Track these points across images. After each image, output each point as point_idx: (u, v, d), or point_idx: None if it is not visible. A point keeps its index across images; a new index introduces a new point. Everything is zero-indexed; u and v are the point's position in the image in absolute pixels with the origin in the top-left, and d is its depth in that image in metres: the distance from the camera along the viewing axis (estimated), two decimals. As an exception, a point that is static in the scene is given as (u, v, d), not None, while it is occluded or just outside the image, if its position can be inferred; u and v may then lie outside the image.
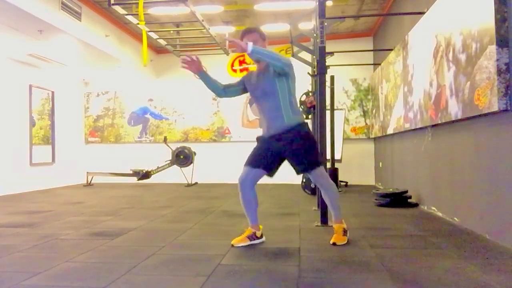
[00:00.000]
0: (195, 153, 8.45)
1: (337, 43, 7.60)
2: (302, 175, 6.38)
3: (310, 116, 6.38)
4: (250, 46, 2.67)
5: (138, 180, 8.31)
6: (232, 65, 8.98)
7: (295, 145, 2.91)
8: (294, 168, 3.01)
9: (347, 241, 3.05)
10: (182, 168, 8.44)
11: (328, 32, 4.27)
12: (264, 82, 2.98)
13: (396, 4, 6.40)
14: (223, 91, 3.18)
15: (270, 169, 3.04)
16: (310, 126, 7.02)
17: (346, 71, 7.89)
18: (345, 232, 3.10)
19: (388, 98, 6.47)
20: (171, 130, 9.31)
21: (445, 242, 3.06)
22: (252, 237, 3.06)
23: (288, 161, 3.00)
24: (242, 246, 2.99)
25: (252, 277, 2.26)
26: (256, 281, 2.19)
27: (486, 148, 3.21)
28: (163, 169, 8.41)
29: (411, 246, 2.96)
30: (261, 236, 3.12)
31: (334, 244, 2.97)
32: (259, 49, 2.75)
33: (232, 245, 2.99)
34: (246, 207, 3.09)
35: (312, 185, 6.12)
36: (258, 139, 3.11)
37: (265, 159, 3.00)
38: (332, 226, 3.69)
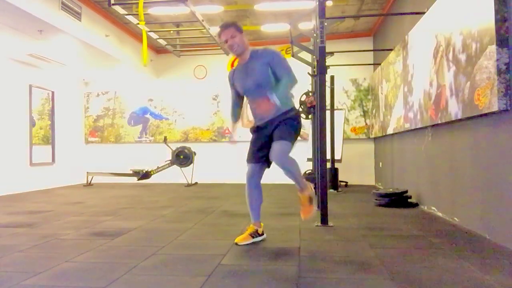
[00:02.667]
0: (195, 153, 8.46)
1: (337, 43, 7.61)
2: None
3: (310, 116, 6.38)
4: (276, 101, 2.77)
5: (138, 180, 8.31)
6: (232, 65, 8.98)
7: (283, 122, 2.98)
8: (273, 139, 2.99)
9: (315, 210, 3.17)
10: (182, 168, 8.44)
11: (328, 32, 4.27)
12: (256, 74, 2.98)
13: (396, 4, 6.40)
14: (239, 106, 3.30)
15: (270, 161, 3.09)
16: (310, 126, 7.01)
17: (346, 71, 7.89)
18: (310, 200, 3.10)
19: (388, 98, 6.47)
20: (171, 130, 9.31)
21: (445, 242, 3.06)
22: (255, 234, 3.09)
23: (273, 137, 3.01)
24: (244, 245, 3.00)
25: (252, 277, 2.26)
26: (256, 281, 2.19)
27: (486, 148, 3.21)
28: (163, 169, 8.41)
29: (411, 246, 2.96)
30: (262, 233, 3.16)
31: (305, 218, 3.07)
32: (281, 94, 2.84)
33: (236, 243, 3.01)
34: (251, 204, 3.13)
35: (312, 185, 6.12)
36: (253, 130, 3.16)
37: (264, 150, 3.04)
38: (332, 226, 3.72)
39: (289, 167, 2.91)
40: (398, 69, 5.77)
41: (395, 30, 6.56)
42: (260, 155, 3.06)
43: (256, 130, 3.12)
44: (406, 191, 5.08)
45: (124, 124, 9.55)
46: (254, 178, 3.10)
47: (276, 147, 2.89)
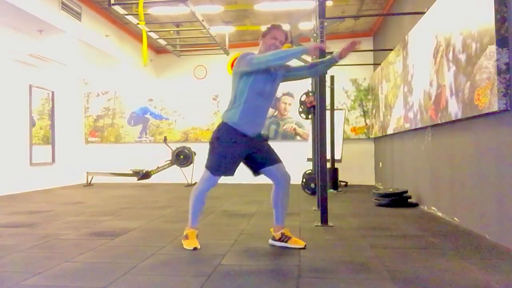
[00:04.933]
0: (195, 153, 8.45)
1: (337, 43, 7.59)
2: (302, 175, 6.41)
3: (310, 116, 6.38)
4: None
5: (138, 180, 8.31)
6: (232, 65, 8.98)
7: (267, 144, 3.04)
8: (271, 158, 2.98)
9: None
10: (182, 168, 8.44)
11: (328, 32, 4.27)
12: (275, 83, 2.95)
13: (396, 4, 6.41)
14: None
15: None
16: (310, 126, 7.01)
17: (346, 71, 7.89)
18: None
19: (388, 98, 6.47)
20: (171, 130, 9.31)
21: (445, 242, 3.06)
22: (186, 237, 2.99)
23: (259, 155, 2.96)
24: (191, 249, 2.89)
25: (252, 277, 2.26)
26: (256, 281, 2.19)
27: (486, 148, 3.21)
28: (163, 169, 8.41)
29: (411, 246, 2.96)
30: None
31: (305, 247, 2.89)
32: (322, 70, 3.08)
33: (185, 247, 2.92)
34: (198, 211, 3.00)
35: (312, 185, 6.12)
36: (235, 138, 2.86)
37: (238, 164, 2.96)
38: (332, 226, 3.71)
39: (288, 186, 3.05)
40: (398, 69, 5.77)
41: (395, 30, 6.56)
42: (234, 170, 2.94)
43: (237, 140, 2.87)
44: (406, 191, 5.08)
45: (124, 124, 9.55)
46: (211, 188, 2.99)
47: (285, 170, 3.01)
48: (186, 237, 2.97)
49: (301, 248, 2.88)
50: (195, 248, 2.87)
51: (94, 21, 6.66)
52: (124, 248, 2.99)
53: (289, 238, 2.96)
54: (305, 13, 5.94)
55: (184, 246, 2.93)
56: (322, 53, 3.48)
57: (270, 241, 3.04)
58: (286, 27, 4.06)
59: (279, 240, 2.97)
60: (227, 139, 2.88)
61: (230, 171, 2.91)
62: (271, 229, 3.06)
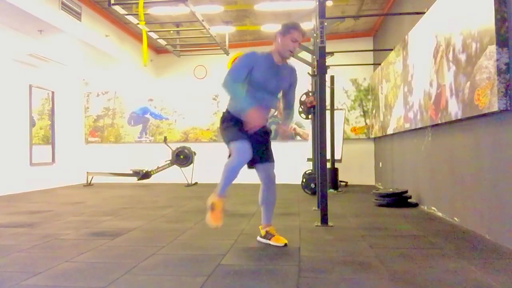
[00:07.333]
0: (195, 153, 8.46)
1: (337, 43, 7.60)
2: (302, 175, 6.42)
3: (310, 116, 6.38)
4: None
5: (138, 180, 8.31)
6: (232, 65, 8.97)
7: (266, 140, 3.09)
8: (262, 156, 3.02)
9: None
10: (182, 168, 8.44)
11: (328, 32, 4.27)
12: (282, 83, 3.02)
13: (396, 4, 6.40)
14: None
15: None
16: (310, 126, 7.00)
17: (346, 71, 7.89)
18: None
19: (388, 98, 6.47)
20: (171, 130, 9.31)
21: (445, 242, 3.06)
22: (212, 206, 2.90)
23: (257, 148, 2.97)
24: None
25: (252, 277, 2.26)
26: (256, 281, 2.19)
27: (486, 148, 3.21)
28: (163, 169, 8.41)
29: (411, 246, 2.96)
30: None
31: (285, 245, 2.95)
32: (290, 119, 3.27)
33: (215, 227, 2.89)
34: (230, 182, 2.95)
35: (312, 185, 6.12)
36: (238, 120, 2.92)
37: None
38: (332, 226, 3.71)
39: (274, 187, 3.08)
40: (398, 69, 5.77)
41: (395, 30, 6.56)
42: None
43: (240, 123, 2.91)
44: (406, 191, 5.08)
45: (124, 124, 9.55)
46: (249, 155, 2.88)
47: (272, 170, 3.06)
48: (212, 207, 2.77)
49: (282, 246, 2.94)
50: (216, 227, 2.78)
51: (94, 21, 6.66)
52: (124, 248, 2.99)
53: (272, 236, 3.03)
54: (305, 13, 5.94)
55: (207, 219, 2.77)
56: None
57: (258, 238, 3.14)
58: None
59: (264, 237, 3.07)
60: (232, 119, 2.97)
61: (247, 137, 2.87)
62: (260, 227, 3.14)
